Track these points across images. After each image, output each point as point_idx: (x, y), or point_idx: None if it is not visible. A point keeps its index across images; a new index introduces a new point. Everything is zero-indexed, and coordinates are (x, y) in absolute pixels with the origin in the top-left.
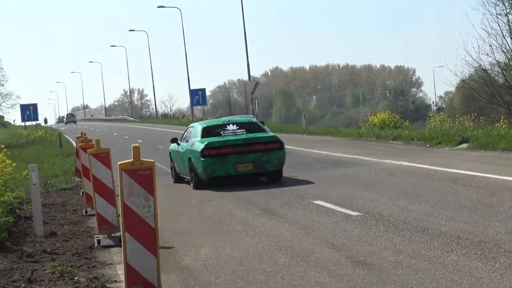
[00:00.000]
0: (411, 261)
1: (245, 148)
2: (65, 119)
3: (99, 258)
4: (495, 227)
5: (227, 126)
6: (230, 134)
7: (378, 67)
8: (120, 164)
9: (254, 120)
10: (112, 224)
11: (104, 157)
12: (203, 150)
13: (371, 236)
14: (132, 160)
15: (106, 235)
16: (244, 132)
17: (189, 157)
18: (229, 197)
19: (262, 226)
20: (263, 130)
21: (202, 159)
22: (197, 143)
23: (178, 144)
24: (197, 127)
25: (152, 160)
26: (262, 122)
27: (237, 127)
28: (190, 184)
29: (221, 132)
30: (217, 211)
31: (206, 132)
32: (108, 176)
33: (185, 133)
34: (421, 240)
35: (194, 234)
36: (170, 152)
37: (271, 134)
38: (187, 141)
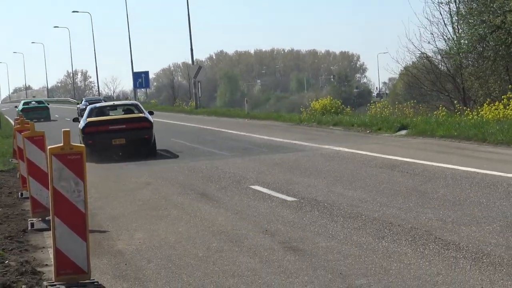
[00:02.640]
0: (342, 247)
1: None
2: None
3: (32, 242)
4: (427, 214)
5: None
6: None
7: (323, 52)
8: (50, 148)
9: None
10: (46, 208)
11: (38, 140)
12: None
13: (305, 222)
14: (62, 144)
15: (40, 219)
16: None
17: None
18: (167, 181)
19: (197, 211)
20: None
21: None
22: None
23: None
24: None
25: (82, 145)
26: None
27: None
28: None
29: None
30: (153, 195)
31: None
32: (43, 159)
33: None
34: (354, 226)
35: (129, 218)
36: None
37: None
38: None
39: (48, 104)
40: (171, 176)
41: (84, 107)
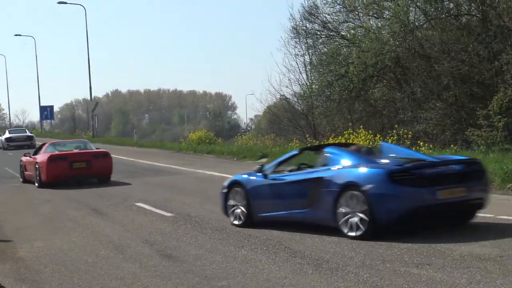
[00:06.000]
0: (208, 255)
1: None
2: None
3: None
4: (280, 228)
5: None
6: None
7: (201, 92)
8: None
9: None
10: None
11: None
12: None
13: (179, 233)
14: None
15: None
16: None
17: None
18: (65, 198)
19: (89, 224)
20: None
21: None
22: None
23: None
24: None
25: None
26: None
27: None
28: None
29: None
30: (52, 210)
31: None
32: None
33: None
34: (219, 237)
35: (31, 229)
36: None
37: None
38: None
39: None
40: (68, 194)
41: None
